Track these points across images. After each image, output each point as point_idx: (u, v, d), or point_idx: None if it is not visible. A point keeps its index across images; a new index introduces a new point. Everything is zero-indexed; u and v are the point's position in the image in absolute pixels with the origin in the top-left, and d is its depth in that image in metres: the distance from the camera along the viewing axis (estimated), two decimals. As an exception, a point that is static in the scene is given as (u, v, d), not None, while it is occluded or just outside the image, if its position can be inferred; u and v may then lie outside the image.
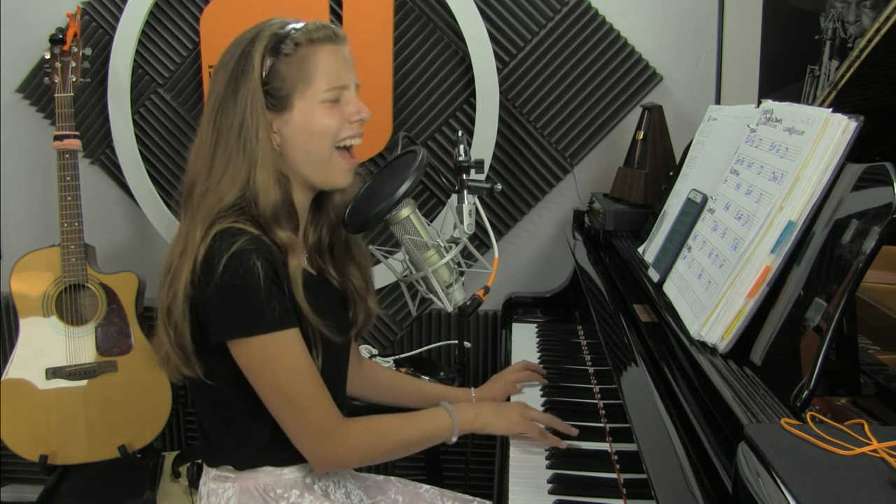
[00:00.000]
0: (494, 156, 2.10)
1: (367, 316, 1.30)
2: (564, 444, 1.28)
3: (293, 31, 1.12)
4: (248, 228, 1.08)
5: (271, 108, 1.12)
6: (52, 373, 1.96)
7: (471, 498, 1.36)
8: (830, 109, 0.89)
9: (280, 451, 1.15)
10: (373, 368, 1.49)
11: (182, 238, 1.11)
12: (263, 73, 1.11)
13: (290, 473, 1.19)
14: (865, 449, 0.63)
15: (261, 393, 1.11)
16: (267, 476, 1.18)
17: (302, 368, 1.11)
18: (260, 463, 1.18)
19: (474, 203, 1.41)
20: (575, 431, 1.30)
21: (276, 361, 1.09)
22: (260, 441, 1.16)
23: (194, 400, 1.23)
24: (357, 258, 1.29)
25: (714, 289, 0.97)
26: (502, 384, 1.51)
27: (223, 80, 1.13)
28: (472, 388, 1.49)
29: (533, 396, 1.50)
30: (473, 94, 2.06)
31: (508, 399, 1.49)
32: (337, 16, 2.05)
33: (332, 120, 1.14)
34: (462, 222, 1.39)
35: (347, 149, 1.18)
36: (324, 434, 1.14)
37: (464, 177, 1.43)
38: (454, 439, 1.25)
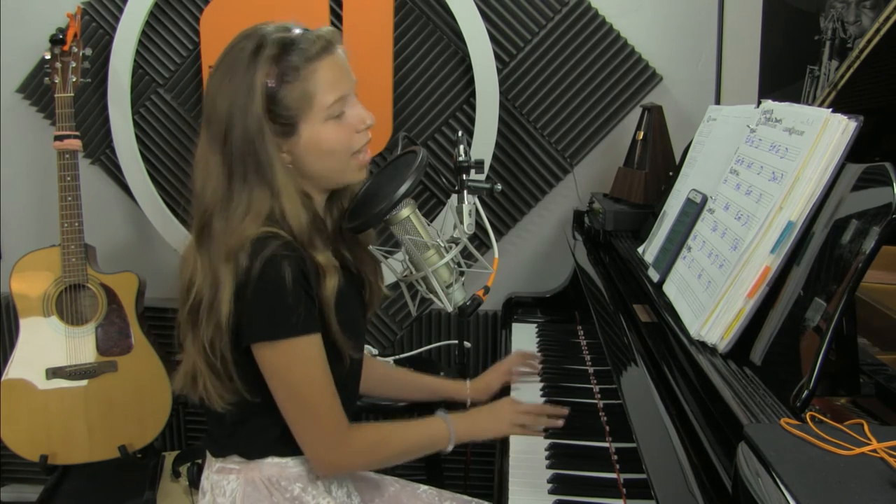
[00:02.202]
0: (494, 156, 2.10)
1: (378, 295, 1.31)
2: (560, 422, 1.32)
3: (291, 56, 1.09)
4: (282, 233, 1.08)
5: (279, 133, 1.10)
6: (53, 373, 1.96)
7: (469, 498, 1.36)
8: (830, 109, 0.89)
9: (289, 442, 1.16)
10: (369, 363, 1.49)
11: (207, 272, 1.09)
12: (267, 102, 1.08)
13: (294, 466, 1.19)
14: (865, 449, 0.63)
15: (276, 394, 1.12)
16: (272, 468, 1.19)
17: (319, 374, 1.12)
18: (268, 453, 1.19)
19: (474, 203, 1.42)
20: (565, 411, 1.34)
21: (296, 365, 1.10)
22: (273, 433, 1.17)
23: None
24: (361, 241, 1.30)
25: (714, 289, 0.97)
26: (497, 374, 1.53)
27: (224, 105, 1.09)
28: (468, 380, 1.50)
29: (533, 396, 1.50)
30: (473, 94, 2.06)
31: (508, 387, 1.52)
32: (337, 16, 2.05)
33: (341, 134, 1.14)
34: (462, 222, 1.39)
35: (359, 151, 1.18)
36: (331, 439, 1.15)
37: (464, 177, 1.43)
38: (450, 448, 1.27)
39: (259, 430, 1.18)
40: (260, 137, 1.08)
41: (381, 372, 1.51)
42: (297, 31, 1.12)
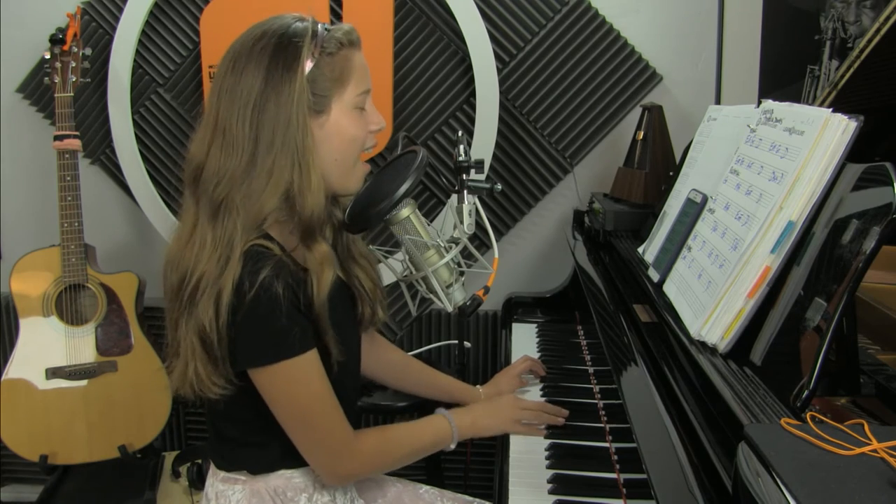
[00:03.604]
0: (494, 156, 2.10)
1: (372, 314, 1.29)
2: (561, 420, 1.33)
3: (334, 33, 1.11)
4: (273, 249, 1.06)
5: (311, 108, 1.08)
6: (52, 373, 1.96)
7: (470, 499, 1.36)
8: (830, 109, 0.89)
9: (294, 455, 1.15)
10: (386, 347, 1.49)
11: (220, 244, 1.05)
12: (308, 71, 1.07)
13: (299, 477, 1.19)
14: (865, 449, 0.63)
15: (278, 416, 1.11)
16: (278, 479, 1.18)
17: (319, 391, 1.11)
18: (275, 467, 1.18)
19: (474, 203, 1.42)
20: (565, 412, 1.36)
21: (296, 386, 1.09)
22: (278, 446, 1.16)
23: (210, 406, 1.21)
24: (357, 258, 1.29)
25: (714, 289, 0.97)
26: (508, 379, 1.52)
27: (258, 75, 1.06)
28: (480, 386, 1.50)
29: (533, 396, 1.50)
30: (473, 94, 2.06)
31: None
32: (337, 16, 2.05)
33: (360, 129, 1.14)
34: (462, 222, 1.39)
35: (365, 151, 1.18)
36: (338, 451, 1.15)
37: (464, 177, 1.43)
38: (453, 446, 1.28)
39: (262, 443, 1.17)
40: (300, 104, 1.06)
41: (398, 360, 1.49)
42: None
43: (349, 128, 1.12)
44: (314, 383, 1.10)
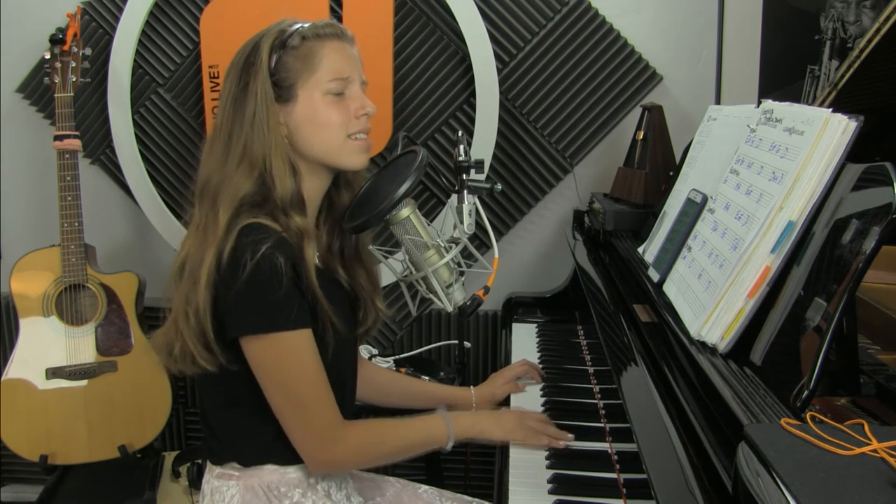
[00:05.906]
0: (494, 156, 2.10)
1: (375, 317, 1.32)
2: (562, 444, 1.28)
3: (301, 27, 1.16)
4: (272, 225, 1.10)
5: (278, 98, 1.15)
6: (52, 373, 1.96)
7: (470, 499, 1.36)
8: (830, 109, 0.89)
9: (285, 448, 1.16)
10: (373, 369, 1.50)
11: (200, 229, 1.13)
12: (271, 65, 1.14)
13: (293, 472, 1.19)
14: (865, 449, 0.63)
15: (267, 390, 1.12)
16: (271, 474, 1.18)
17: (311, 369, 1.12)
18: (265, 459, 1.19)
19: (474, 203, 1.42)
20: (570, 437, 1.30)
21: (288, 360, 1.11)
22: (267, 436, 1.17)
23: (201, 396, 1.23)
24: (365, 260, 1.31)
25: (714, 289, 0.97)
26: (503, 380, 1.51)
27: (234, 76, 1.16)
28: (472, 387, 1.49)
29: (533, 396, 1.50)
30: (473, 94, 2.06)
31: (509, 398, 1.50)
32: (337, 16, 2.05)
33: (337, 114, 1.16)
34: (462, 222, 1.39)
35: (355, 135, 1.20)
36: (324, 435, 1.15)
37: (464, 177, 1.43)
38: (450, 446, 1.26)
39: (251, 431, 1.18)
40: (263, 96, 1.13)
41: (385, 380, 1.50)
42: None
43: (321, 112, 1.16)
44: (306, 359, 1.12)
